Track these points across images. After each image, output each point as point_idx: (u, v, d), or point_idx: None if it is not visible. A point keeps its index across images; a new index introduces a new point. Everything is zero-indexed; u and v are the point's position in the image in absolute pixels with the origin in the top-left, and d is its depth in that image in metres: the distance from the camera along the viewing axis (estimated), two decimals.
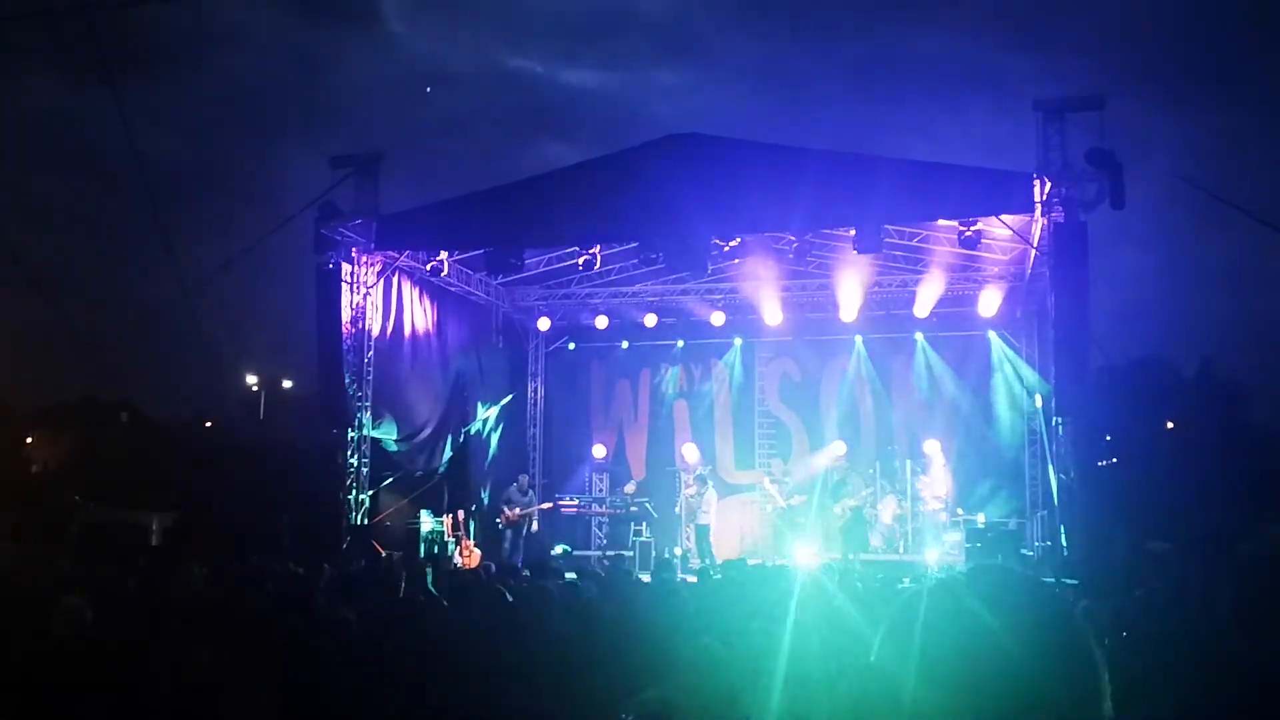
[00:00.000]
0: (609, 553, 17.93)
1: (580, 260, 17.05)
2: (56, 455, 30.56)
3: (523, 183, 15.90)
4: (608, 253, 17.43)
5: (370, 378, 16.05)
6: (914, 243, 16.69)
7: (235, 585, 8.78)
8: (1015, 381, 18.16)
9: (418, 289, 17.34)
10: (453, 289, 18.03)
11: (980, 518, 16.74)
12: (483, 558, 16.30)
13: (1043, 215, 13.81)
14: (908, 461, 17.61)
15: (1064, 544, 13.88)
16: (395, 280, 16.70)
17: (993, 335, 18.31)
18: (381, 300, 16.41)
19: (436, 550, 16.16)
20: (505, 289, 19.19)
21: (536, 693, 4.74)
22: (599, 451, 19.98)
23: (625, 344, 20.06)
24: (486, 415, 19.27)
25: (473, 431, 18.86)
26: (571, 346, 20.47)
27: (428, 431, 17.54)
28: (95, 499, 21.14)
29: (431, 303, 17.72)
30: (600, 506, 19.51)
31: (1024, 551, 16.03)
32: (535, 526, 17.97)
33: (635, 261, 17.72)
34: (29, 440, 31.84)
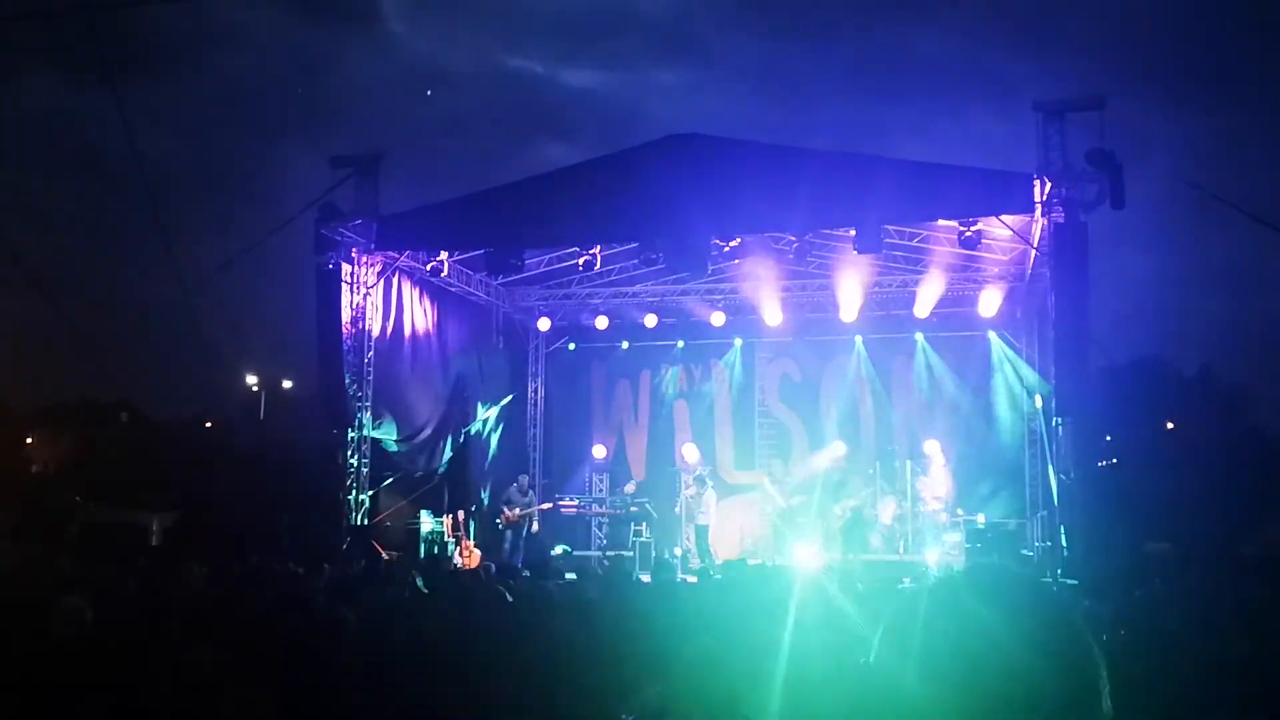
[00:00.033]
0: (609, 553, 17.93)
1: (580, 260, 17.04)
2: (56, 455, 30.58)
3: (523, 183, 15.90)
4: (608, 253, 17.42)
5: (370, 378, 16.05)
6: (914, 243, 16.69)
7: (235, 585, 8.78)
8: (1015, 382, 18.16)
9: (418, 289, 17.34)
10: (453, 289, 18.03)
11: (980, 518, 16.73)
12: (483, 558, 16.30)
13: (1043, 215, 13.81)
14: (908, 462, 17.58)
15: (1064, 544, 13.87)
16: (395, 280, 16.71)
17: (993, 335, 18.31)
18: (381, 300, 16.41)
19: (436, 551, 16.17)
20: (505, 289, 19.19)
21: (536, 693, 4.74)
22: (599, 452, 19.98)
23: (625, 344, 20.06)
24: (486, 416, 19.27)
25: (473, 432, 18.86)
26: (572, 347, 20.47)
27: (428, 432, 17.54)
28: (95, 499, 21.16)
29: (431, 303, 17.72)
30: (600, 507, 19.50)
31: (1024, 552, 16.02)
32: (535, 527, 17.96)
33: (635, 262, 17.71)
34: (29, 440, 31.86)
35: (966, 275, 17.58)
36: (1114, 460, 22.57)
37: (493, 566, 14.87)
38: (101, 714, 4.75)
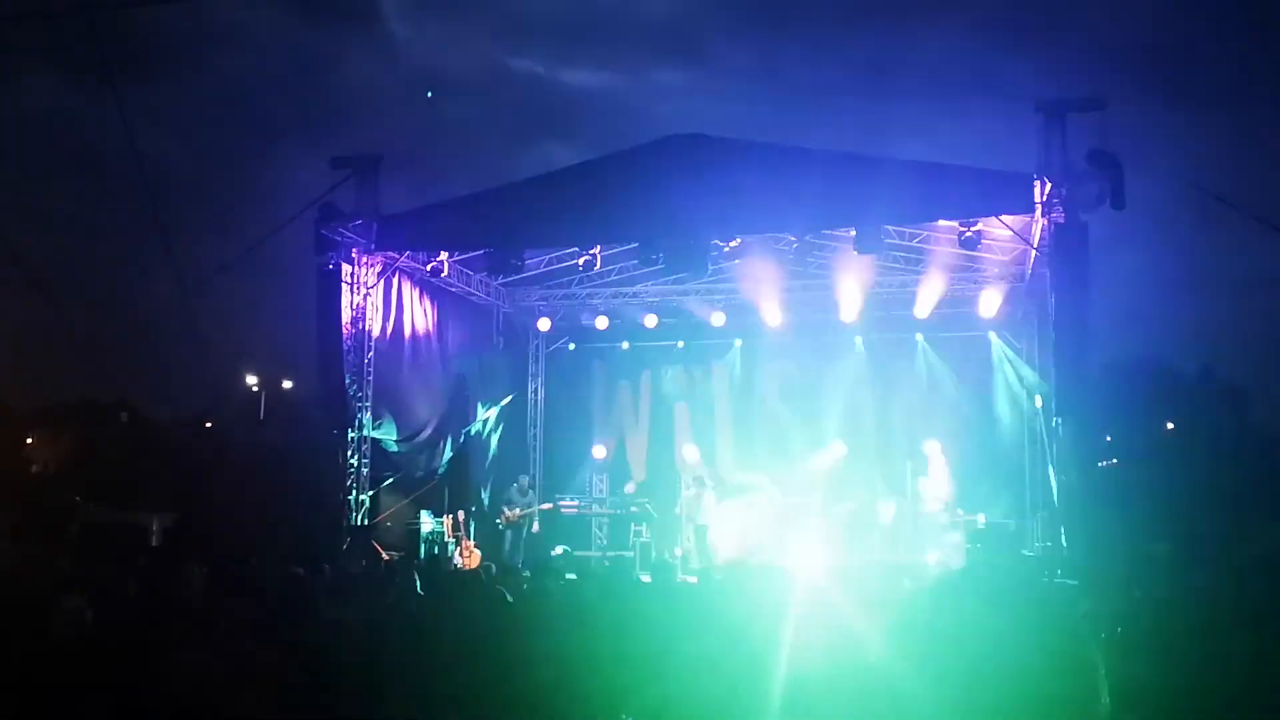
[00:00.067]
0: (609, 553, 17.93)
1: (580, 261, 17.05)
2: (56, 455, 30.58)
3: (523, 183, 15.90)
4: (608, 253, 17.42)
5: (370, 378, 16.05)
6: (914, 243, 16.69)
7: (235, 586, 8.77)
8: (1015, 382, 18.16)
9: (418, 289, 17.34)
10: (453, 289, 18.03)
11: (980, 518, 16.73)
12: (483, 558, 16.30)
13: (1043, 216, 13.81)
14: (908, 462, 17.59)
15: (1064, 544, 13.87)
16: (395, 281, 16.71)
17: (993, 336, 18.31)
18: (382, 301, 16.41)
19: (437, 551, 16.17)
20: (506, 289, 19.19)
21: (537, 693, 4.74)
22: (599, 452, 19.98)
23: (626, 345, 20.06)
24: (487, 416, 19.27)
25: (473, 432, 18.86)
26: (572, 347, 20.47)
27: (428, 432, 17.54)
28: (95, 499, 21.17)
29: (432, 303, 17.72)
30: (600, 507, 19.50)
31: (1024, 552, 16.02)
32: (535, 527, 17.96)
33: (636, 262, 17.70)
34: (29, 440, 31.85)
35: (967, 275, 17.58)
36: (1114, 460, 22.56)
37: (493, 567, 14.87)
38: (101, 714, 4.75)
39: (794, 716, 3.79)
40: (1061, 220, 13.41)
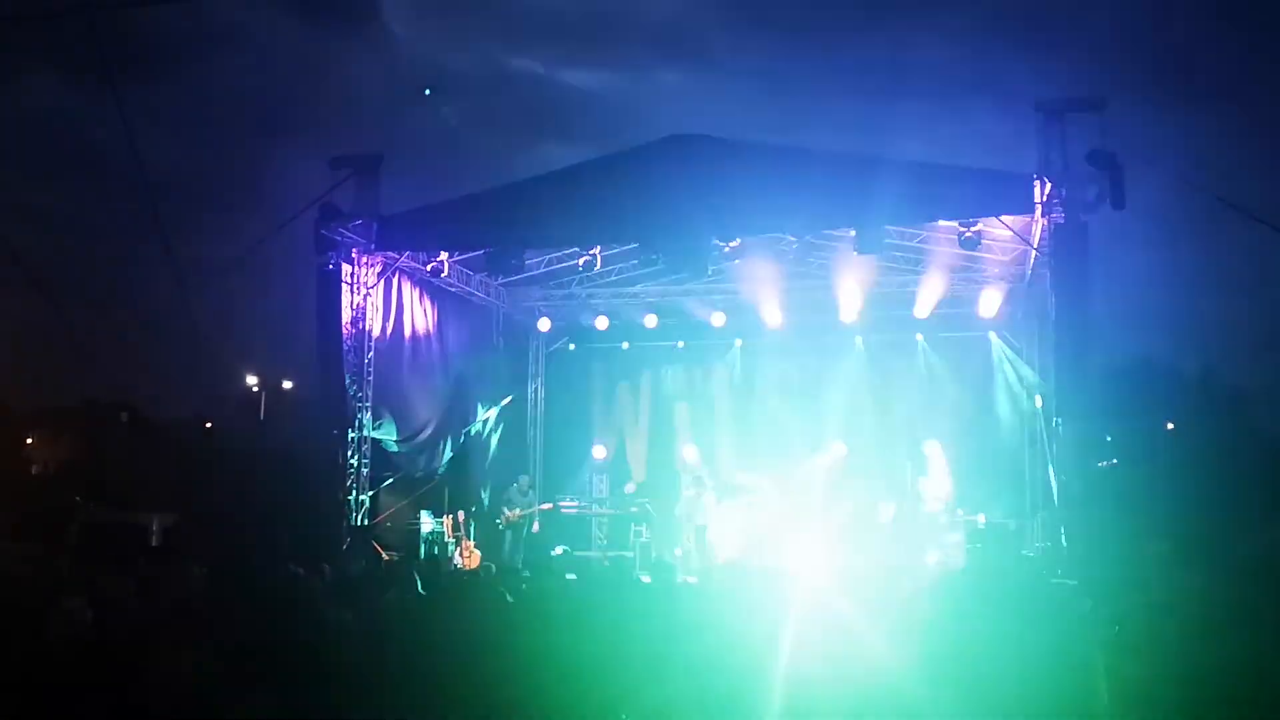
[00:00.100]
0: (609, 553, 17.94)
1: (580, 261, 17.06)
2: (56, 456, 30.60)
3: (523, 183, 15.89)
4: (608, 253, 17.42)
5: (370, 378, 16.05)
6: (914, 243, 16.69)
7: (235, 586, 8.77)
8: (1015, 382, 18.18)
9: (418, 290, 17.34)
10: (453, 290, 18.03)
11: (980, 518, 16.73)
12: (483, 559, 16.31)
13: (1043, 216, 13.81)
14: (908, 462, 17.59)
15: (1064, 544, 13.87)
16: (395, 281, 16.70)
17: (993, 336, 18.33)
18: (382, 301, 16.41)
19: (437, 551, 16.17)
20: (506, 290, 19.19)
21: (537, 693, 4.74)
22: (599, 452, 19.98)
23: (626, 345, 20.06)
24: (487, 416, 19.27)
25: (473, 432, 18.87)
26: (572, 347, 20.47)
27: (428, 432, 17.54)
28: (95, 499, 21.14)
29: (432, 303, 17.72)
30: (600, 507, 19.50)
31: (1024, 552, 16.01)
32: (535, 527, 17.97)
33: (636, 262, 17.71)
34: (29, 441, 31.86)
35: (967, 276, 17.59)
36: (1114, 461, 22.55)
37: (493, 567, 14.90)
38: (101, 714, 4.75)
39: (794, 717, 3.79)
40: (1061, 220, 13.41)
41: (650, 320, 19.27)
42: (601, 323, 19.35)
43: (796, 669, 4.13)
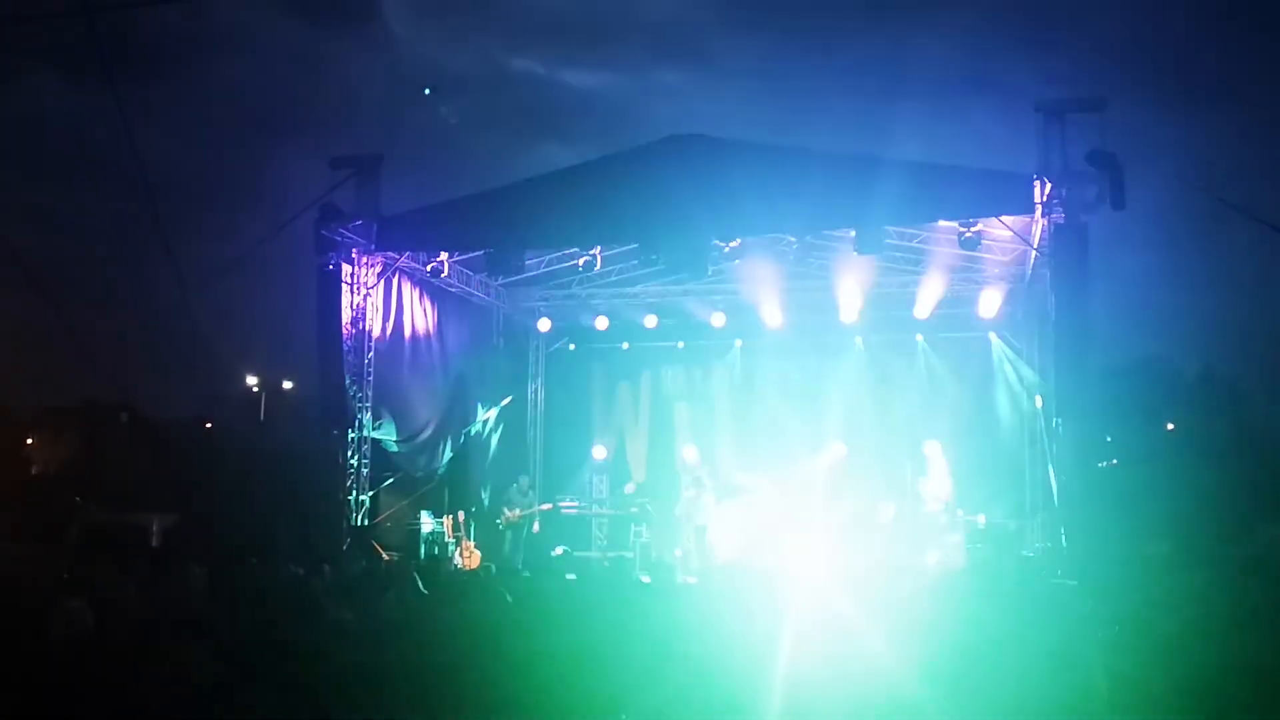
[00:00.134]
0: (609, 554, 17.94)
1: (580, 261, 17.06)
2: (56, 456, 30.58)
3: (523, 183, 15.89)
4: (608, 254, 17.42)
5: (370, 379, 16.05)
6: (914, 244, 16.68)
7: (235, 586, 8.78)
8: (1015, 382, 18.17)
9: (418, 290, 17.34)
10: (453, 290, 18.03)
11: (980, 519, 16.73)
12: (483, 559, 16.32)
13: (1043, 216, 13.81)
14: (908, 462, 17.58)
15: (1064, 545, 13.87)
16: (395, 281, 16.71)
17: (993, 336, 18.33)
18: (382, 301, 16.41)
19: (437, 551, 16.18)
20: (506, 290, 19.19)
21: (537, 693, 4.75)
22: (599, 453, 19.97)
23: (626, 345, 20.06)
24: (487, 416, 19.28)
25: (473, 432, 18.87)
26: (572, 347, 20.47)
27: (428, 432, 17.54)
28: (95, 500, 21.14)
29: (432, 304, 17.72)
30: (600, 508, 19.50)
31: (1024, 553, 16.01)
32: (536, 528, 17.97)
33: (636, 263, 17.71)
34: (29, 441, 31.85)
35: (967, 276, 17.59)
36: (1114, 460, 22.55)
37: (493, 567, 14.90)
38: (101, 714, 4.75)
39: (794, 716, 3.79)
40: (1061, 221, 13.42)
41: (650, 320, 19.28)
42: (601, 323, 19.35)
43: (796, 669, 4.13)
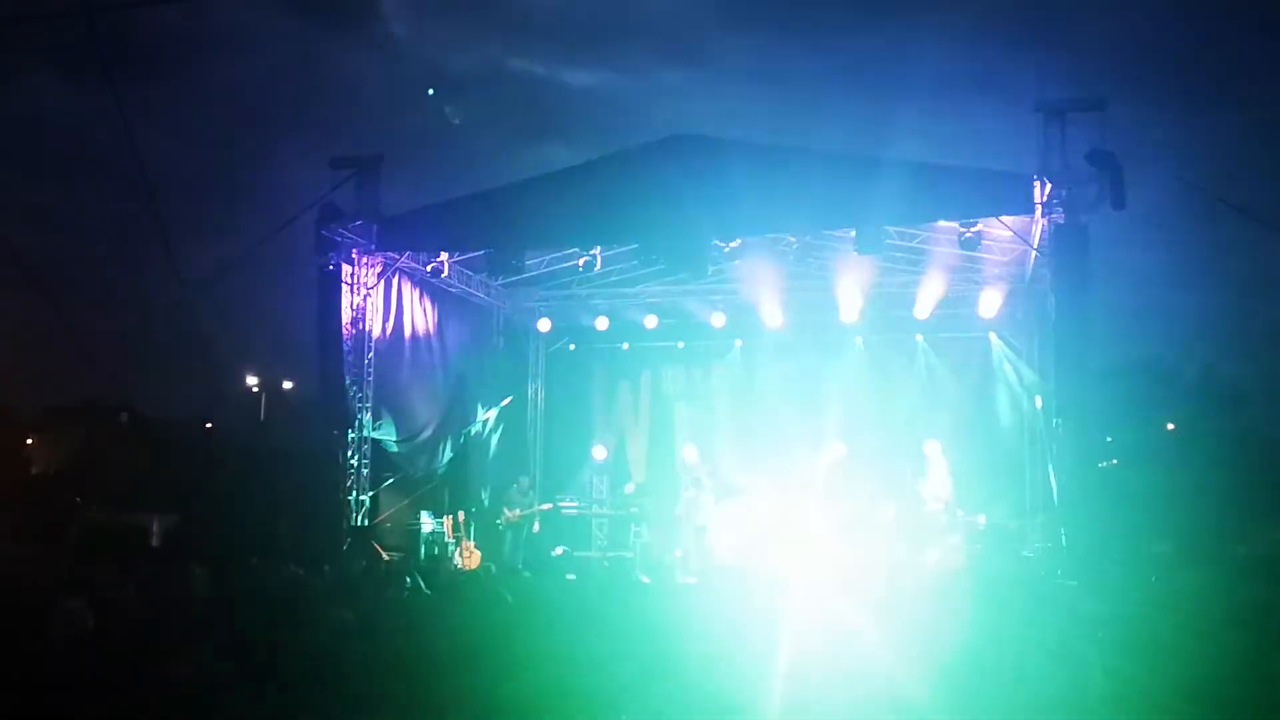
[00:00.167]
0: (609, 554, 17.94)
1: (581, 261, 17.05)
2: (57, 457, 30.56)
3: (523, 183, 15.90)
4: (609, 254, 17.42)
5: (371, 379, 16.05)
6: (914, 244, 16.68)
7: (235, 586, 8.79)
8: (1015, 382, 18.17)
9: (418, 290, 17.34)
10: (453, 290, 18.03)
11: (980, 519, 16.71)
12: (483, 559, 16.32)
13: (1043, 216, 13.81)
14: (908, 462, 17.57)
15: (1064, 545, 13.86)
16: (395, 281, 16.71)
17: (993, 336, 18.32)
18: (382, 301, 16.42)
19: (437, 551, 16.19)
20: (506, 290, 19.19)
21: (537, 693, 4.75)
22: (599, 453, 19.96)
23: (626, 345, 20.06)
24: (487, 416, 19.27)
25: (473, 433, 18.87)
26: (572, 348, 20.46)
27: (428, 433, 17.54)
28: (95, 500, 21.15)
29: (432, 304, 17.72)
30: (600, 508, 19.49)
31: (1024, 553, 16.00)
32: (536, 528, 17.96)
33: (636, 262, 17.69)
34: (29, 442, 31.84)
35: (967, 276, 17.59)
36: (1114, 460, 22.55)
37: (493, 567, 14.91)
38: (101, 715, 4.75)
39: (794, 716, 3.79)
40: (1061, 221, 13.42)
41: (650, 320, 19.27)
42: (601, 323, 19.35)
43: (796, 669, 4.13)
